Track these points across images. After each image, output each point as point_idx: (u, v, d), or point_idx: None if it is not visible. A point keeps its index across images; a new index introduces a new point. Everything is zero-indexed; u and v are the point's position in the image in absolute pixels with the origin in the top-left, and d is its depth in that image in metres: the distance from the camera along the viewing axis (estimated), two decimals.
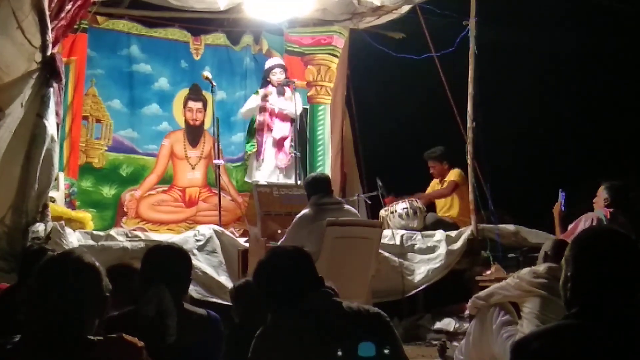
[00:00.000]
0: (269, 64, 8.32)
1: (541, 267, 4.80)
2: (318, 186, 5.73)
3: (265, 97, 8.05)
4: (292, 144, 7.94)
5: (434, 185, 8.16)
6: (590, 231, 2.43)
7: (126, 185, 8.24)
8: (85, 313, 2.25)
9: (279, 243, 5.40)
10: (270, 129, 8.06)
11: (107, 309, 2.40)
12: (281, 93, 8.05)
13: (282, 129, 8.05)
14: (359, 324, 2.56)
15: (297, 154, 7.84)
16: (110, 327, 2.51)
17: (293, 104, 7.85)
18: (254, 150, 8.15)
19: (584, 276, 2.10)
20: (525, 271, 4.92)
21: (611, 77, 9.39)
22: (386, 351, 2.54)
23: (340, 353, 2.43)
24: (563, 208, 6.20)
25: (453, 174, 7.89)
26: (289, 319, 2.58)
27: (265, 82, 8.21)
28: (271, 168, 8.02)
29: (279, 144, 8.05)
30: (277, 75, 8.06)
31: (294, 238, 5.37)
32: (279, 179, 7.91)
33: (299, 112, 8.03)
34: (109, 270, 3.62)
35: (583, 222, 5.93)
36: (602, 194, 6.09)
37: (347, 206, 5.86)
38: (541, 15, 9.16)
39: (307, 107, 8.97)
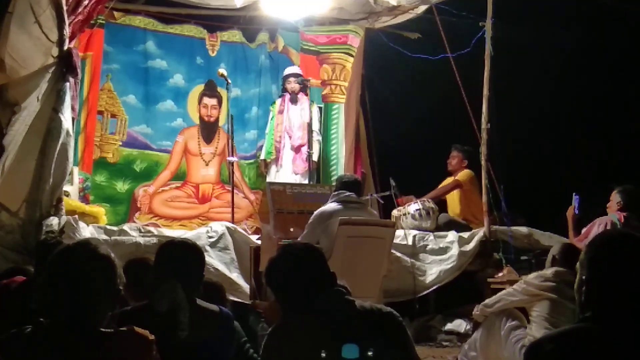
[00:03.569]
0: (285, 72, 8.51)
1: (548, 271, 4.80)
2: (349, 185, 5.74)
3: (281, 109, 8.29)
4: (308, 149, 8.02)
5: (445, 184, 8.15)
6: (605, 235, 2.42)
7: (140, 180, 8.28)
8: (97, 305, 2.24)
9: (299, 238, 5.41)
10: (289, 136, 8.21)
11: (119, 302, 2.39)
12: (294, 101, 8.26)
13: (298, 136, 8.18)
14: (371, 323, 2.55)
15: (310, 152, 7.91)
16: (124, 320, 2.50)
17: (307, 112, 8.05)
18: (272, 157, 8.29)
19: (598, 280, 2.09)
20: (532, 276, 4.92)
21: (629, 79, 9.30)
22: (398, 351, 2.54)
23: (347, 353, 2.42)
24: (577, 211, 6.16)
25: (461, 174, 7.90)
26: (301, 317, 2.57)
27: (283, 89, 8.47)
28: (289, 173, 8.10)
29: (296, 150, 8.15)
30: (292, 85, 8.31)
31: (312, 233, 5.42)
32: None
33: (314, 120, 8.25)
34: (127, 264, 3.65)
35: (597, 226, 5.90)
36: (615, 197, 6.05)
37: (369, 208, 5.86)
38: (558, 16, 9.09)
39: (322, 105, 8.98)
